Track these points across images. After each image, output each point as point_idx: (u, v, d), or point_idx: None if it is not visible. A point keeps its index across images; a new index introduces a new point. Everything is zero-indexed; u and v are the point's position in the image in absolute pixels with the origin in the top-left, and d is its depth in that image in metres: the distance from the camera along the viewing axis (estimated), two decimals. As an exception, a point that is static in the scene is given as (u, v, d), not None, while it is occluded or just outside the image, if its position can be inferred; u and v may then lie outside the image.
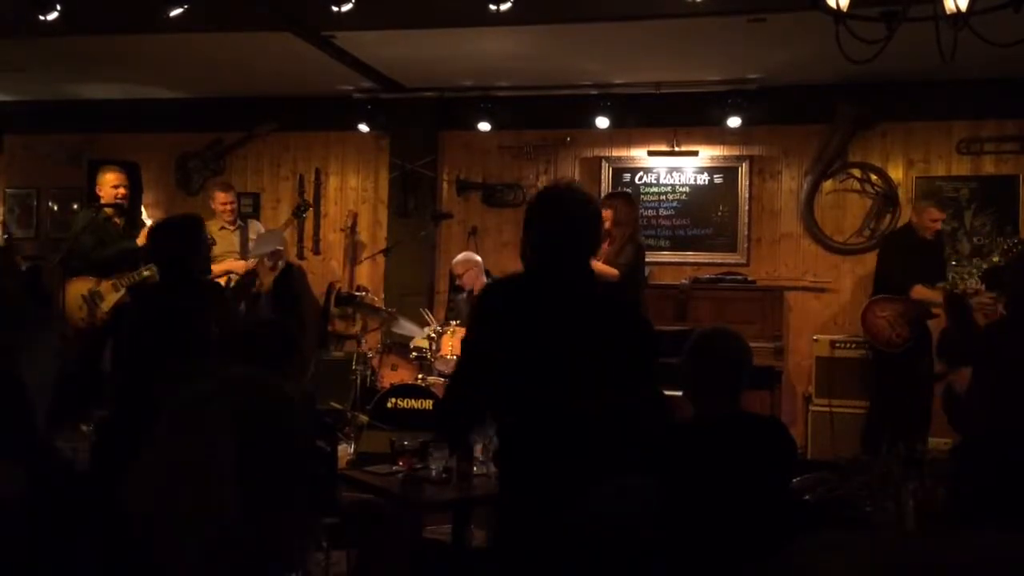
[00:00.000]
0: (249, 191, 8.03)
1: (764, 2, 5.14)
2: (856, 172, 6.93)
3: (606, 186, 7.36)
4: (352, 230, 7.72)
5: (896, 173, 6.89)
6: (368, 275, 7.63)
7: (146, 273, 5.88)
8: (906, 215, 6.81)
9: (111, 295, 5.81)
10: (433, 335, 5.94)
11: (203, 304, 3.70)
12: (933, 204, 6.07)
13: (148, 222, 7.97)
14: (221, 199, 6.68)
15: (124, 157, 8.02)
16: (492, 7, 4.33)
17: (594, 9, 5.36)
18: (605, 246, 5.89)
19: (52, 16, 4.62)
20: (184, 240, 3.69)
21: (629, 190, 7.35)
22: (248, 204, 8.02)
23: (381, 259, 7.46)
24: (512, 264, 7.49)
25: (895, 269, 5.92)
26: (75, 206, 8.30)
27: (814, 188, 7.01)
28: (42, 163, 8.36)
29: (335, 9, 4.30)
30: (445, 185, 7.67)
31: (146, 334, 3.62)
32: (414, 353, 6.06)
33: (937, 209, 5.98)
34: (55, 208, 8.50)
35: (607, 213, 5.94)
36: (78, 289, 5.86)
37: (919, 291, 5.73)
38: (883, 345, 5.88)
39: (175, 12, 4.54)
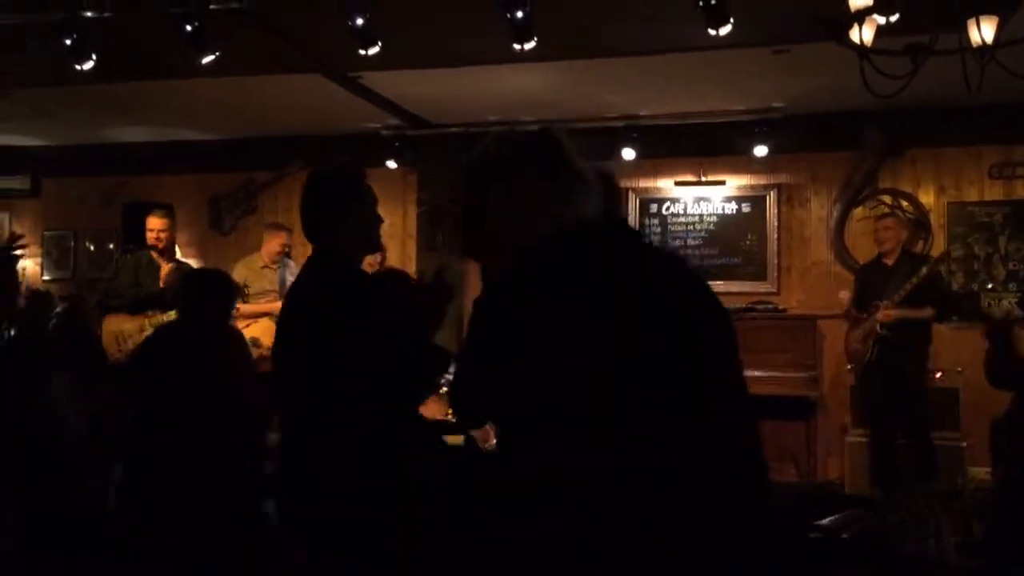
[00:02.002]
0: (280, 229, 8.12)
1: (787, 35, 5.14)
2: (887, 199, 6.86)
3: (633, 217, 7.36)
4: (381, 266, 7.75)
5: (927, 199, 6.82)
6: (398, 310, 7.66)
7: (172, 314, 5.97)
8: (939, 241, 6.76)
9: (138, 335, 5.88)
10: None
11: (210, 342, 3.76)
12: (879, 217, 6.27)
13: (185, 263, 8.17)
14: (281, 240, 6.62)
15: (157, 198, 8.19)
16: (516, 46, 4.37)
17: (618, 44, 5.39)
18: None
19: (88, 65, 4.73)
20: (207, 290, 3.76)
21: (656, 221, 7.37)
22: (279, 242, 8.11)
23: (410, 294, 7.49)
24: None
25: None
26: (111, 246, 8.45)
27: (844, 215, 6.95)
28: (77, 205, 8.53)
29: (362, 52, 4.36)
30: (473, 219, 7.71)
31: (155, 370, 3.70)
32: (444, 388, 6.04)
33: (878, 220, 6.08)
34: (91, 248, 8.64)
35: None
36: (114, 327, 5.95)
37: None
38: (856, 364, 5.95)
39: (207, 60, 4.63)
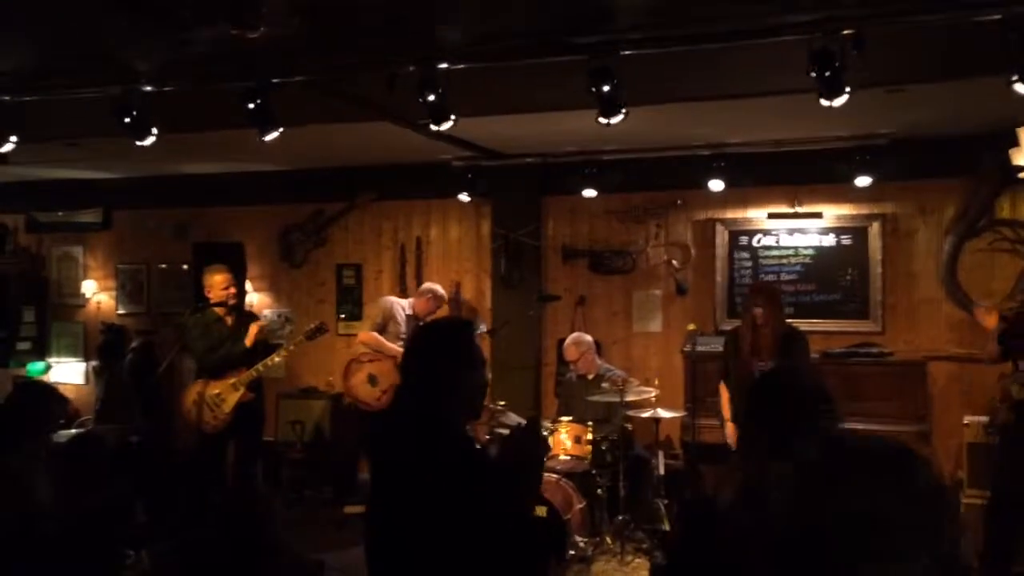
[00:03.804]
0: (351, 262, 7.90)
1: (904, 75, 4.61)
2: (1006, 231, 6.25)
3: (721, 250, 6.90)
4: (456, 301, 7.47)
5: (1052, 231, 6.19)
6: (473, 348, 7.36)
7: (261, 369, 5.81)
8: (1065, 277, 6.15)
9: (231, 395, 5.75)
10: (544, 432, 5.62)
11: None
12: None
13: (254, 297, 8.02)
14: (438, 305, 6.80)
15: (228, 230, 8.07)
16: (603, 120, 3.96)
17: (709, 87, 4.93)
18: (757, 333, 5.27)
19: (149, 141, 4.49)
20: None
21: (747, 254, 6.88)
22: (351, 275, 7.90)
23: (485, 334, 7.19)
24: (623, 334, 7.16)
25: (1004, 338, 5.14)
26: (184, 266, 8.29)
27: (957, 248, 6.36)
28: (150, 238, 8.43)
29: (435, 128, 4.02)
30: (550, 253, 7.34)
31: None
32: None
33: None
34: (164, 279, 8.47)
35: (758, 312, 5.31)
36: (190, 392, 5.82)
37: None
38: (992, 423, 5.34)
39: (270, 137, 4.34)
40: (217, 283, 5.82)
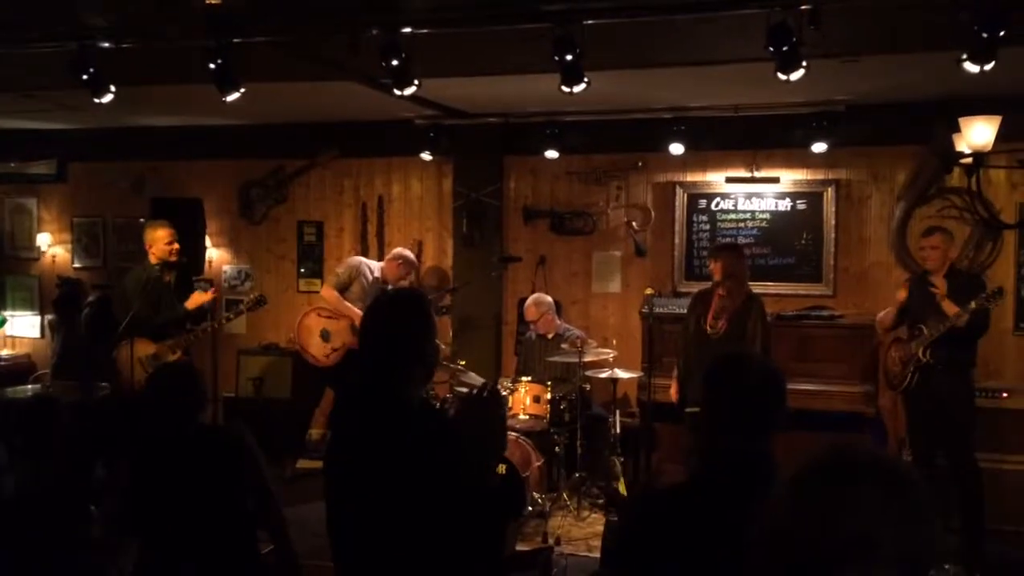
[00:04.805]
0: (312, 219, 7.87)
1: (859, 47, 4.69)
2: (955, 199, 6.43)
3: (680, 213, 7.00)
4: (417, 260, 7.50)
5: (999, 199, 6.38)
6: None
7: (200, 335, 5.79)
8: (1009, 244, 6.36)
9: (168, 357, 5.72)
10: (504, 391, 5.72)
11: None
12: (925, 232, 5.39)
13: (214, 253, 7.97)
14: (407, 272, 6.82)
15: (186, 185, 7.99)
16: (566, 88, 4.00)
17: (672, 54, 4.99)
18: (717, 298, 5.42)
19: (107, 98, 4.43)
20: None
21: (705, 217, 7.00)
22: (312, 232, 7.88)
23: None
24: (582, 295, 7.26)
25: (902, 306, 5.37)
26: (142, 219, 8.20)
27: (907, 215, 6.53)
28: (106, 191, 8.30)
29: (398, 93, 4.03)
30: (511, 213, 7.39)
31: None
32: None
33: (923, 236, 5.32)
34: (122, 222, 8.37)
35: (716, 266, 5.47)
36: (138, 352, 5.78)
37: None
38: (893, 386, 5.50)
39: (232, 97, 4.31)
40: (159, 238, 5.71)
